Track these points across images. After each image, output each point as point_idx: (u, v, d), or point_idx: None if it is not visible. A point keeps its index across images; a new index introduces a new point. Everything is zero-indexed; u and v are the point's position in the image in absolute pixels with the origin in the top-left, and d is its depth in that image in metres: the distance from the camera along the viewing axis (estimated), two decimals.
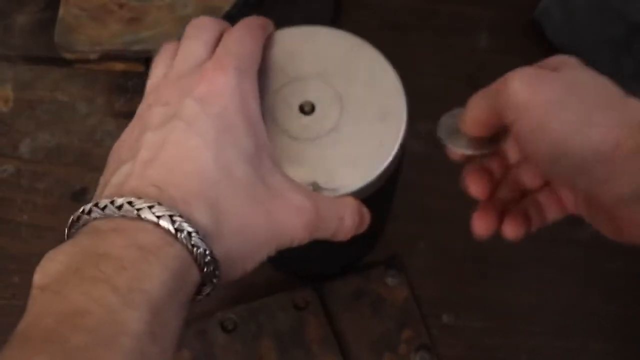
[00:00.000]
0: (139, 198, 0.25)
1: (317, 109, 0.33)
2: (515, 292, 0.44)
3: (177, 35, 0.50)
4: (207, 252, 0.25)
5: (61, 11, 0.52)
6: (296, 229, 0.29)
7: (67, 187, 0.48)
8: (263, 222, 0.28)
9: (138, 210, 0.24)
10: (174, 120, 0.27)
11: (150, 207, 0.24)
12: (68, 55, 0.51)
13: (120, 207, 0.25)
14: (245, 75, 0.29)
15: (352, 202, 0.31)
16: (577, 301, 0.44)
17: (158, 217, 0.24)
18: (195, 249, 0.25)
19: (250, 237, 0.27)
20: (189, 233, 0.25)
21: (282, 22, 0.53)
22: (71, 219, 0.26)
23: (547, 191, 0.34)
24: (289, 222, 0.28)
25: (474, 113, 0.31)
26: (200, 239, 0.25)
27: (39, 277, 0.24)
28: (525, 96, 0.27)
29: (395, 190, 0.40)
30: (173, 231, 0.24)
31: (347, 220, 0.30)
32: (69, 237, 0.26)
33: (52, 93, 0.52)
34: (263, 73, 0.33)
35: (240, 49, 0.30)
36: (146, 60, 0.52)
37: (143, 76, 0.53)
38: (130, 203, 0.25)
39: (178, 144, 0.27)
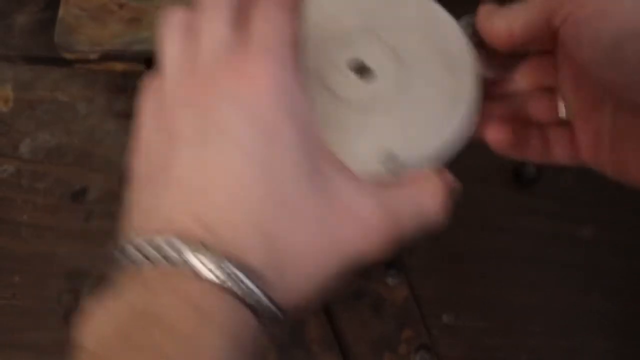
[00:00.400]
0: (184, 239, 0.21)
1: (372, 68, 0.29)
2: (516, 291, 0.44)
3: None
4: (271, 304, 0.22)
5: (61, 11, 0.52)
6: (371, 245, 0.24)
7: (67, 187, 0.48)
8: (328, 246, 0.23)
9: (185, 255, 0.21)
10: (211, 131, 0.23)
11: (199, 253, 0.21)
12: (68, 55, 0.51)
13: (162, 248, 0.21)
14: (287, 62, 0.24)
15: (431, 178, 0.26)
16: (578, 300, 0.44)
17: (210, 268, 0.21)
18: (256, 302, 0.21)
19: (315, 270, 0.23)
20: (248, 286, 0.21)
21: None
22: (109, 249, 0.24)
23: (559, 128, 0.30)
24: (360, 239, 0.24)
25: (517, 17, 0.26)
26: (261, 291, 0.21)
27: (85, 340, 0.22)
28: None
29: None
30: (229, 284, 0.21)
31: (432, 205, 0.25)
32: (108, 263, 0.24)
33: (52, 93, 0.52)
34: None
35: (277, 27, 0.24)
36: (146, 60, 0.52)
37: (143, 76, 0.53)
38: (173, 245, 0.21)
39: (220, 165, 0.23)
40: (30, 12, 0.54)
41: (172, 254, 0.21)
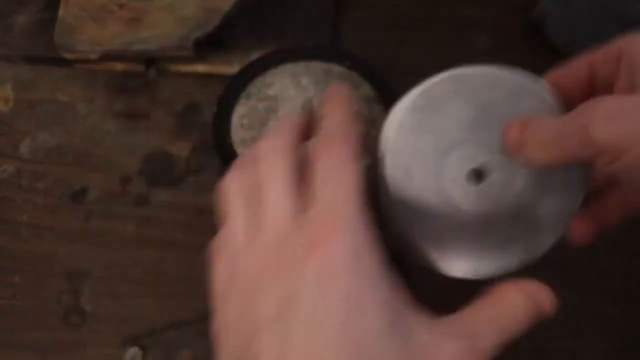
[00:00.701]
0: None
1: (489, 174, 0.29)
2: None
3: (177, 36, 0.50)
4: None
5: (61, 11, 0.52)
6: None
7: (67, 187, 0.48)
8: None
9: None
10: (292, 314, 0.22)
11: None
12: (68, 56, 0.51)
13: None
14: (355, 221, 0.23)
15: (512, 296, 0.26)
16: (578, 301, 0.44)
17: None
18: None
19: None
20: None
21: (281, 22, 0.54)
22: None
23: (612, 194, 0.32)
24: None
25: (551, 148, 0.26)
26: None
27: None
28: (613, 138, 0.24)
29: None
30: None
31: (514, 324, 0.26)
32: None
33: (52, 93, 0.52)
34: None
35: (340, 185, 0.24)
36: (146, 60, 0.52)
37: (143, 76, 0.53)
38: None
39: (305, 352, 0.22)
40: (30, 12, 0.54)
41: None
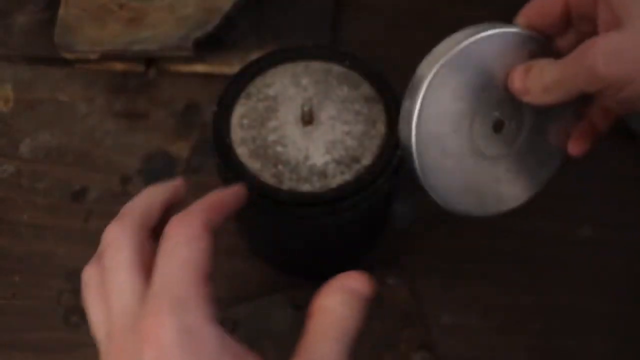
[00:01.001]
0: None
1: (506, 121, 0.33)
2: (515, 292, 0.44)
3: (177, 36, 0.50)
4: None
5: (61, 11, 0.52)
6: None
7: (67, 187, 0.48)
8: None
9: None
10: None
11: None
12: (68, 55, 0.51)
13: None
14: (189, 303, 0.24)
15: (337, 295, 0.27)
16: (578, 300, 0.44)
17: None
18: None
19: None
20: None
21: (281, 22, 0.54)
22: None
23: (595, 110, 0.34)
24: None
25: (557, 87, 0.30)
26: None
27: None
28: (619, 74, 0.28)
29: (395, 191, 0.40)
30: None
31: (347, 327, 0.26)
32: None
33: (52, 93, 0.52)
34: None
35: (179, 265, 0.25)
36: (146, 60, 0.52)
37: (143, 76, 0.53)
38: None
39: None
40: (30, 12, 0.54)
41: None
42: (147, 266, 0.26)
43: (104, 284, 0.26)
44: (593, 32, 0.31)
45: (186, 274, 0.25)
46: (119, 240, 0.27)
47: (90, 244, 0.46)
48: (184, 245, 0.26)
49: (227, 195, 0.30)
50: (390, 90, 0.38)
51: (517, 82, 0.31)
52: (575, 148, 0.34)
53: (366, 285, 0.27)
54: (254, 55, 0.41)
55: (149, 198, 0.30)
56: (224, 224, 0.28)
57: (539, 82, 0.30)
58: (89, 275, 0.28)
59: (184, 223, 0.26)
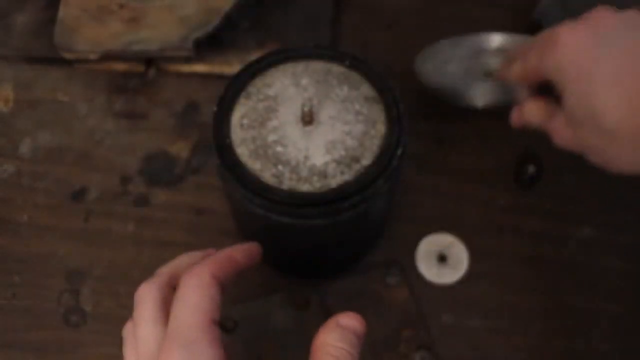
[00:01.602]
0: None
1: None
2: (516, 292, 0.44)
3: (177, 36, 0.50)
4: None
5: (61, 11, 0.52)
6: None
7: (67, 187, 0.48)
8: None
9: None
10: None
11: None
12: (68, 56, 0.51)
13: None
14: (196, 346, 0.28)
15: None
16: (578, 301, 0.44)
17: None
18: None
19: None
20: None
21: (281, 22, 0.54)
22: None
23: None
24: None
25: (523, 66, 0.38)
26: None
27: None
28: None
29: (395, 191, 0.40)
30: None
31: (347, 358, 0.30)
32: None
33: (52, 93, 0.52)
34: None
35: (189, 311, 0.29)
36: (146, 60, 0.52)
37: (143, 76, 0.53)
38: None
39: None
40: (31, 12, 0.54)
41: None
42: (169, 315, 0.30)
43: (135, 335, 0.30)
44: None
45: (195, 319, 0.29)
46: (145, 298, 0.31)
47: (90, 244, 0.46)
48: (194, 293, 0.29)
49: (239, 252, 0.33)
50: (391, 90, 0.38)
51: (503, 70, 0.41)
52: (515, 117, 0.41)
53: (359, 323, 0.31)
54: (254, 55, 0.41)
55: (180, 261, 0.33)
56: (234, 278, 0.32)
57: (510, 72, 0.40)
58: (127, 329, 0.31)
59: (195, 273, 0.30)
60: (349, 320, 0.30)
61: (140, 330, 0.30)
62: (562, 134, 0.37)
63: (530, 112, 0.40)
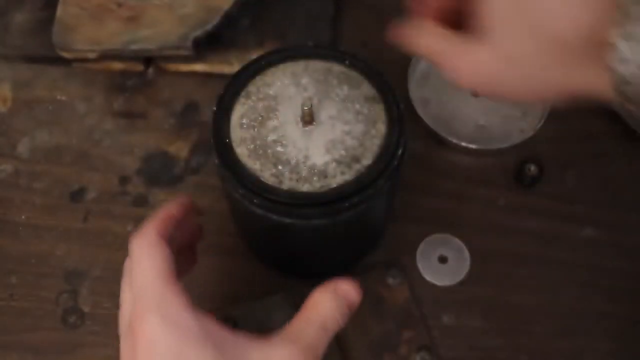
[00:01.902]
0: None
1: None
2: (517, 292, 0.44)
3: (176, 35, 0.50)
4: None
5: (59, 10, 0.52)
6: None
7: (66, 187, 0.48)
8: None
9: None
10: None
11: None
12: (66, 55, 0.51)
13: None
14: (166, 298, 0.28)
15: (319, 301, 0.31)
16: (579, 301, 0.44)
17: None
18: None
19: None
20: None
21: (281, 21, 0.53)
22: None
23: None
24: None
25: None
26: None
27: None
28: None
29: (395, 191, 0.40)
30: None
31: (330, 320, 0.30)
32: None
33: (51, 92, 0.52)
34: None
35: (145, 267, 0.30)
36: (145, 59, 0.52)
37: (142, 75, 0.53)
38: None
39: None
40: (29, 11, 0.54)
41: None
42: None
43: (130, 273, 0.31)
44: None
45: (154, 277, 0.29)
46: (126, 269, 0.31)
47: (88, 245, 0.46)
48: (145, 255, 0.30)
49: (173, 207, 0.34)
50: (391, 90, 0.37)
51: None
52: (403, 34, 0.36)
53: (356, 294, 0.31)
54: (254, 55, 0.41)
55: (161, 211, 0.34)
56: (175, 231, 0.33)
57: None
58: (126, 264, 0.32)
59: (141, 234, 0.31)
60: (347, 289, 0.31)
61: (122, 294, 0.31)
62: (473, 66, 0.32)
63: (430, 33, 0.34)
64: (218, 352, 0.27)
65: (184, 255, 0.36)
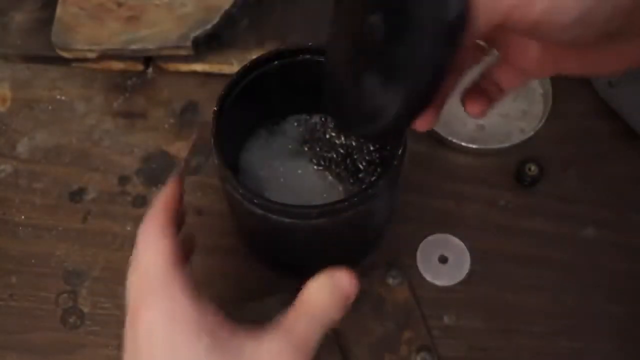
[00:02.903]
0: None
1: None
2: (517, 292, 0.44)
3: (176, 34, 0.50)
4: None
5: (59, 10, 0.52)
6: None
7: (65, 187, 0.48)
8: None
9: None
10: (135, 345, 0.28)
11: None
12: (66, 54, 0.51)
13: None
14: (169, 282, 0.29)
15: (322, 288, 0.30)
16: (580, 301, 0.44)
17: None
18: None
19: None
20: None
21: (281, 22, 0.53)
22: None
23: (501, 66, 0.33)
24: None
25: None
26: None
27: None
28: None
29: (395, 191, 0.40)
30: None
31: (324, 312, 0.30)
32: None
33: (50, 92, 0.52)
34: None
35: (152, 252, 0.30)
36: (145, 59, 0.52)
37: (141, 75, 0.53)
38: None
39: None
40: (28, 10, 0.54)
41: None
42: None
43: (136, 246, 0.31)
44: None
45: (160, 262, 0.29)
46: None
47: (88, 245, 0.46)
48: (152, 241, 0.30)
49: (171, 190, 0.34)
50: None
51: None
52: (471, 107, 0.33)
53: (353, 285, 0.30)
54: (254, 55, 0.41)
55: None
56: (179, 213, 0.33)
57: None
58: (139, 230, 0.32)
59: (148, 220, 0.31)
60: (343, 280, 0.30)
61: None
62: (533, 65, 0.30)
63: (507, 77, 0.32)
64: (213, 341, 0.28)
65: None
